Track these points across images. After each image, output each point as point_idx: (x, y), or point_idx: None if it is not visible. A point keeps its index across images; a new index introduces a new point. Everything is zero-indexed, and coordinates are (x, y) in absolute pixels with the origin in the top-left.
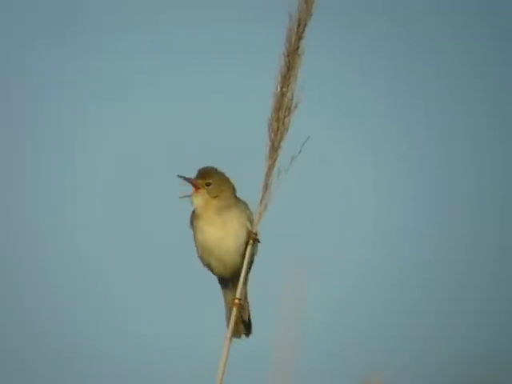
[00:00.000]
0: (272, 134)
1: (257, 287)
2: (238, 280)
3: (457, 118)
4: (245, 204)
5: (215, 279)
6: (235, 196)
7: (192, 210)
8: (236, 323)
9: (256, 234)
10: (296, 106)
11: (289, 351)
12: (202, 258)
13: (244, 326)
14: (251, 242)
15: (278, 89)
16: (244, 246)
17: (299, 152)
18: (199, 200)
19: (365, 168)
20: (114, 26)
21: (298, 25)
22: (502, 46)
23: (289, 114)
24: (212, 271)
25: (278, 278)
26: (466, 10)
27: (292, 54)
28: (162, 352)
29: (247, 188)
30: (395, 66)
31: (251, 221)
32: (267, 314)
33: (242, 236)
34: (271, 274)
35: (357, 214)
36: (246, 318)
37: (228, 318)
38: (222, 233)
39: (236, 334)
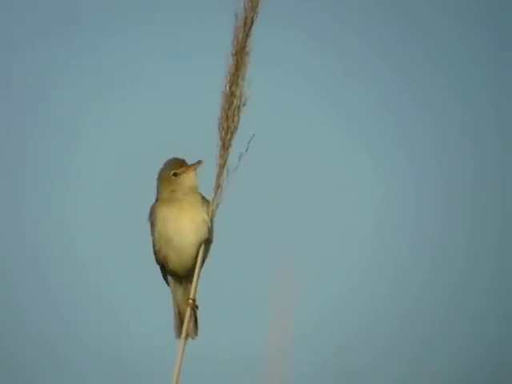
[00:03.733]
0: (222, 133)
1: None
2: (190, 279)
3: (453, 113)
4: (208, 203)
5: (162, 280)
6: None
7: (154, 201)
8: (188, 323)
9: (210, 234)
10: (244, 104)
11: (279, 355)
12: (159, 251)
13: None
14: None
15: (227, 88)
16: (201, 244)
17: (246, 150)
18: (195, 177)
19: (327, 165)
20: (113, 26)
21: (245, 23)
22: (500, 37)
23: (238, 112)
24: (167, 265)
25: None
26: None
27: (240, 53)
28: (163, 352)
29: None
30: (346, 60)
31: (211, 220)
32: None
33: (203, 233)
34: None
35: (340, 214)
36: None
37: (177, 319)
38: (187, 224)
39: (188, 334)
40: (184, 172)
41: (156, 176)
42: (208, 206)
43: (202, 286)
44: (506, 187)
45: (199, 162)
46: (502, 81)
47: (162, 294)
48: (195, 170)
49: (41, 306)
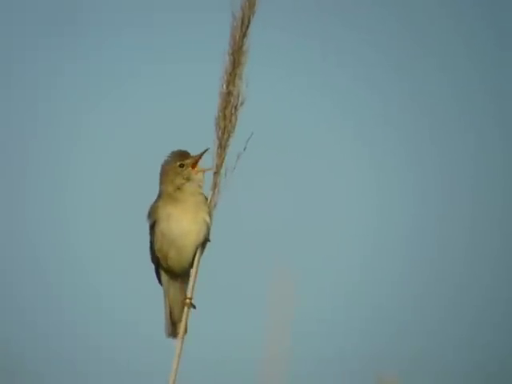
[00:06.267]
0: (219, 133)
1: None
2: (186, 278)
3: (453, 115)
4: (207, 201)
5: (155, 277)
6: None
7: (157, 197)
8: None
9: (208, 234)
10: (242, 104)
11: (277, 355)
12: (159, 249)
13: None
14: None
15: (224, 87)
16: (200, 244)
17: (244, 149)
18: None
19: (327, 163)
20: (113, 26)
21: (242, 23)
22: (501, 38)
23: (235, 111)
24: (166, 263)
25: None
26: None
27: (237, 52)
28: (163, 352)
29: None
30: (343, 56)
31: (211, 217)
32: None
33: (204, 233)
34: (237, 274)
35: (341, 213)
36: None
37: (168, 318)
38: (190, 225)
39: (176, 334)
40: (190, 164)
41: (157, 170)
42: (208, 205)
43: (199, 286)
44: (507, 187)
45: (204, 152)
46: (504, 81)
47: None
48: (203, 170)
49: (41, 306)
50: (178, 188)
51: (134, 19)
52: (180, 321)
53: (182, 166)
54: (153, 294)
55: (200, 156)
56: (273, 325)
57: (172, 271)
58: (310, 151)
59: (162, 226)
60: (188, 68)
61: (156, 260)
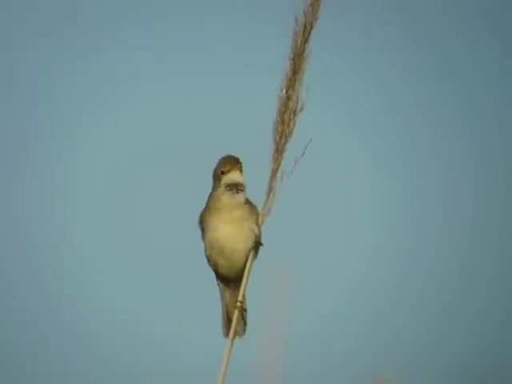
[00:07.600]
0: (277, 137)
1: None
2: (239, 282)
3: (456, 123)
4: (256, 208)
5: (214, 279)
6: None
7: (207, 201)
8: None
9: (259, 238)
10: (301, 109)
11: (274, 355)
12: (209, 257)
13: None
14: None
15: (284, 92)
16: (250, 251)
17: (302, 154)
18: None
19: (368, 171)
20: (114, 26)
21: (304, 28)
22: (507, 50)
23: (294, 117)
24: (217, 270)
25: (271, 281)
26: (474, 13)
27: (297, 57)
28: (163, 352)
29: (248, 191)
30: (401, 68)
31: (258, 225)
32: (258, 317)
33: (251, 240)
34: (266, 277)
35: (359, 218)
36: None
37: (225, 319)
38: (235, 234)
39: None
40: (227, 172)
41: (157, 170)
42: (256, 213)
43: (203, 285)
44: (508, 195)
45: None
46: (508, 90)
47: (162, 294)
48: (239, 168)
49: (41, 306)
50: (220, 197)
51: (135, 19)
52: (236, 323)
53: (222, 173)
54: (152, 294)
55: (234, 164)
56: (271, 326)
57: (225, 277)
58: (318, 154)
59: (209, 236)
60: (188, 68)
61: (211, 266)
